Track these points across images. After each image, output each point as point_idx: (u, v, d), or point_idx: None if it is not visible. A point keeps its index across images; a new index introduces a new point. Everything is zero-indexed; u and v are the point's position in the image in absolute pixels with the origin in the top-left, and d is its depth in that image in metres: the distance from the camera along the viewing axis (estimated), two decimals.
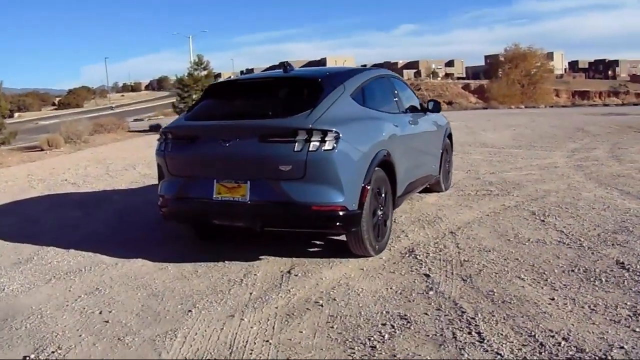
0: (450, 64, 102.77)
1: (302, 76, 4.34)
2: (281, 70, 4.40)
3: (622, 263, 3.55)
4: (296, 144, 3.55)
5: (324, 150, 3.54)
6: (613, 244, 3.97)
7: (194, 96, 20.82)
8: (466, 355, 2.43)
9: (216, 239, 4.67)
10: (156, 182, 8.12)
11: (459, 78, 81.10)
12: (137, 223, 5.56)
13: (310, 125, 3.56)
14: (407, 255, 4.03)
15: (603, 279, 3.29)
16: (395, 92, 5.15)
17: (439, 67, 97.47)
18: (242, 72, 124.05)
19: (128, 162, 10.92)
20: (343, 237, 4.42)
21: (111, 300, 3.36)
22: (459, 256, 3.93)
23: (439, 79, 77.54)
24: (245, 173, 3.74)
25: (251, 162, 3.71)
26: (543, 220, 4.82)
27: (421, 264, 3.81)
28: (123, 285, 3.64)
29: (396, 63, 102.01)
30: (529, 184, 6.74)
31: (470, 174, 7.63)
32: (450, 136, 6.71)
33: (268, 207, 3.68)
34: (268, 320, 2.96)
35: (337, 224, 3.63)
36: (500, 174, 7.64)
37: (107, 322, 3.03)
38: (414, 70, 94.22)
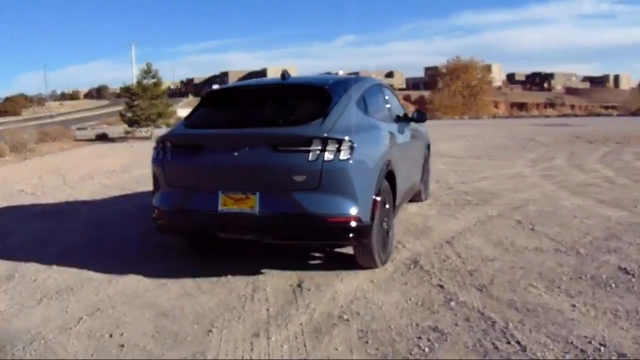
0: (390, 75, 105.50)
1: (308, 84, 4.28)
2: (279, 77, 4.34)
3: (625, 269, 3.72)
4: (311, 153, 3.48)
5: (340, 160, 3.49)
6: (608, 251, 4.16)
7: (142, 105, 20.25)
8: None
9: (211, 252, 4.52)
10: (121, 193, 7.99)
11: (399, 89, 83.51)
12: (116, 236, 5.29)
13: (325, 134, 3.51)
14: (412, 266, 4.04)
15: (612, 285, 3.43)
16: (387, 100, 5.20)
17: (379, 78, 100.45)
18: (182, 82, 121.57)
19: (84, 172, 10.41)
20: (342, 249, 4.41)
21: (118, 322, 3.15)
22: (464, 266, 3.98)
23: None
24: (254, 184, 3.62)
25: (262, 172, 3.60)
26: (532, 229, 4.99)
27: (430, 274, 3.83)
28: (125, 304, 3.43)
29: (337, 73, 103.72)
30: (504, 193, 6.97)
31: (442, 184, 7.80)
32: (429, 146, 6.85)
33: (279, 219, 3.58)
34: (296, 337, 2.87)
35: (351, 235, 3.59)
36: (472, 184, 7.87)
37: (123, 346, 2.83)
38: None
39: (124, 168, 11.03)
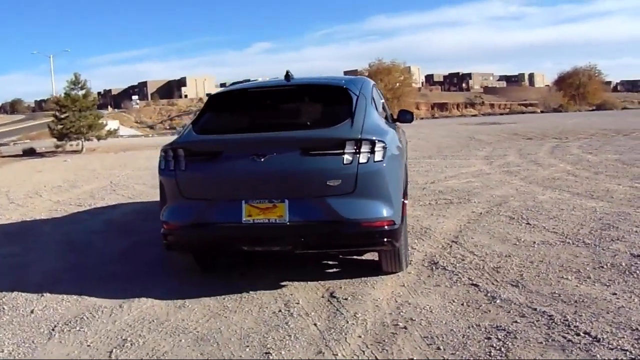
0: None
1: (325, 84, 4.16)
2: (282, 79, 4.20)
3: (639, 256, 3.94)
4: (345, 156, 3.39)
5: (375, 162, 3.43)
6: (613, 240, 4.39)
7: (71, 117, 19.09)
8: (599, 356, 2.50)
9: (214, 268, 4.28)
10: (79, 209, 7.42)
11: None
12: (98, 257, 4.91)
13: (359, 136, 3.43)
14: (433, 267, 4.04)
15: (637, 272, 3.62)
16: (382, 101, 5.21)
17: None
18: (99, 94, 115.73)
19: (28, 189, 9.62)
20: (355, 255, 4.35)
21: (157, 353, 2.86)
22: (485, 264, 4.04)
23: None
24: (283, 191, 3.46)
25: (291, 178, 3.45)
26: (529, 224, 5.18)
27: (457, 274, 3.84)
28: (153, 331, 3.14)
29: (256, 80, 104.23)
30: (478, 190, 7.21)
31: (413, 185, 7.91)
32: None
33: (312, 227, 3.45)
34: (363, 351, 2.75)
35: (385, 240, 3.52)
36: (442, 183, 8.08)
37: None
38: None
39: (70, 183, 10.30)
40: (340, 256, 4.42)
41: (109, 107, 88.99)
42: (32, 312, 3.56)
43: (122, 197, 8.39)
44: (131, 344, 2.97)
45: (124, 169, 12.87)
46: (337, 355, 2.72)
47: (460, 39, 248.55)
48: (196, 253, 4.04)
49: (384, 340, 2.85)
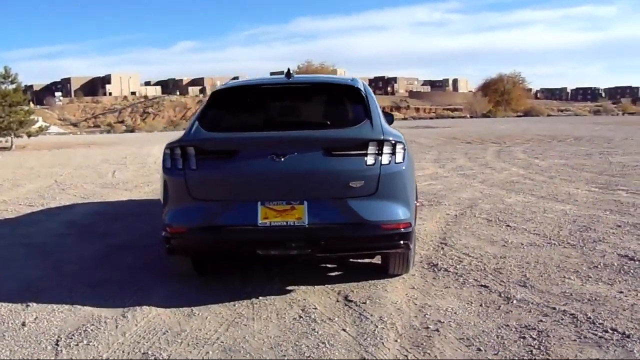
0: (235, 80, 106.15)
1: (337, 82, 4.07)
2: (283, 76, 4.09)
3: (627, 256, 4.18)
4: (368, 157, 3.36)
5: (396, 163, 3.42)
6: (595, 241, 4.63)
7: (0, 113, 17.70)
8: (635, 351, 2.62)
9: (208, 273, 4.10)
10: (32, 209, 6.84)
11: None
12: (74, 262, 4.58)
13: (382, 137, 3.41)
14: (434, 269, 4.08)
15: (630, 271, 3.85)
16: None
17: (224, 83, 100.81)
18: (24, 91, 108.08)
19: None
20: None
21: None
22: (484, 265, 4.14)
23: None
24: (302, 192, 3.36)
25: (312, 179, 3.36)
26: (509, 226, 5.38)
27: (461, 276, 3.90)
28: (173, 343, 2.93)
29: (181, 80, 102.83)
30: (443, 193, 7.42)
31: None
32: None
33: (332, 230, 3.38)
34: (406, 355, 2.72)
35: (402, 242, 3.51)
36: None
37: None
38: (200, 87, 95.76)
39: (11, 182, 9.53)
40: (339, 259, 4.37)
41: (30, 103, 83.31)
42: (23, 324, 3.22)
43: (75, 197, 7.86)
44: (155, 359, 2.75)
45: (64, 167, 12.07)
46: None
47: (385, 43, 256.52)
48: (203, 258, 3.84)
49: (422, 344, 2.83)
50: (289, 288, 3.75)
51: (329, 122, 3.56)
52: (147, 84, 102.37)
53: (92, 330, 3.12)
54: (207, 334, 3.05)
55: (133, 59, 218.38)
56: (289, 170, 3.34)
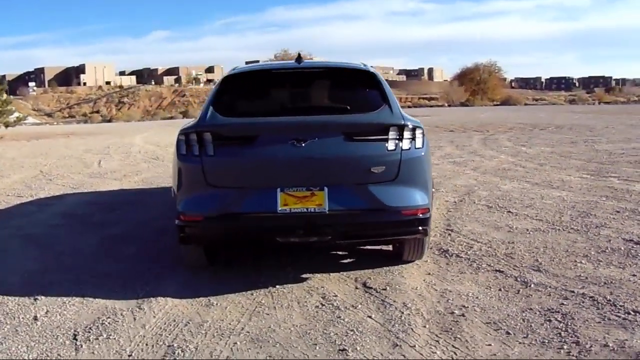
0: (210, 70, 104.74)
1: (352, 67, 4.01)
2: (294, 62, 4.03)
3: (631, 240, 4.27)
4: (389, 142, 3.34)
5: (416, 148, 3.41)
6: (598, 227, 4.70)
7: None
8: None
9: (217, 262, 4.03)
10: (21, 201, 6.62)
11: None
12: (75, 254, 4.48)
13: (402, 122, 3.39)
14: (446, 255, 4.10)
15: (638, 255, 3.93)
16: None
17: (200, 73, 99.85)
18: None
19: None
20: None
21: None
22: (494, 251, 4.17)
23: (202, 85, 77.99)
24: (322, 178, 3.32)
25: (333, 164, 3.33)
26: (510, 212, 5.43)
27: (474, 262, 3.92)
28: (197, 335, 2.86)
29: (156, 69, 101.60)
30: (438, 180, 7.43)
31: None
32: None
33: (353, 216, 3.35)
34: (437, 340, 2.71)
35: (421, 228, 3.50)
36: None
37: None
38: (175, 77, 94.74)
39: None
40: (350, 246, 4.34)
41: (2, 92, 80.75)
42: (35, 318, 3.11)
43: (64, 187, 7.65)
44: (182, 351, 2.69)
45: (47, 157, 11.74)
46: (414, 346, 2.67)
47: (360, 32, 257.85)
48: (217, 246, 3.78)
49: (450, 329, 2.84)
50: (304, 276, 3.72)
51: (348, 107, 3.51)
52: (122, 73, 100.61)
53: (109, 323, 3.03)
54: (230, 324, 3.01)
55: (107, 48, 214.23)
56: (309, 156, 3.29)
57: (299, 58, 4.01)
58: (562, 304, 3.10)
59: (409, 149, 3.37)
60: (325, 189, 3.30)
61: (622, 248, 4.08)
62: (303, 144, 3.27)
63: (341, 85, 3.84)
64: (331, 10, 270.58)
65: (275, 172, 3.34)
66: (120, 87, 67.81)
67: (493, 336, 2.75)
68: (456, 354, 2.58)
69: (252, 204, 3.34)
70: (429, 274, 3.73)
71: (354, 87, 3.77)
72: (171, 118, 30.87)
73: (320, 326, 2.94)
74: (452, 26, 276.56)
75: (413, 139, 3.40)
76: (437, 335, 2.78)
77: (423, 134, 3.47)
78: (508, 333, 2.77)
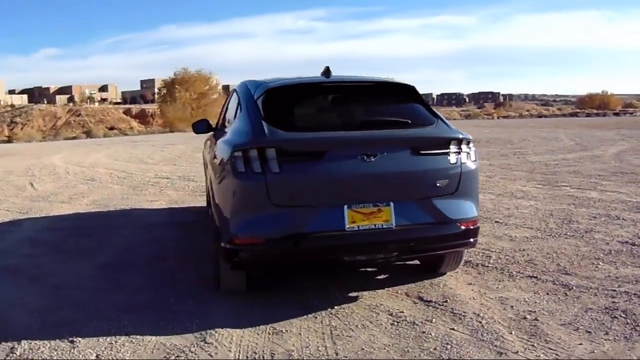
0: (104, 88, 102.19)
1: (393, 83, 4.09)
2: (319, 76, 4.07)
3: (628, 242, 4.79)
4: (451, 155, 3.48)
5: (472, 161, 3.59)
6: (587, 232, 5.21)
7: None
8: None
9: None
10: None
11: (116, 103, 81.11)
12: (72, 286, 4.03)
13: (460, 135, 3.54)
14: (471, 266, 4.32)
15: None
16: None
17: (93, 92, 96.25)
18: None
19: None
20: None
21: None
22: (513, 259, 4.46)
23: (97, 104, 75.76)
24: (388, 193, 3.38)
25: (400, 179, 3.41)
26: (497, 222, 5.80)
27: (503, 270, 4.19)
28: None
29: (48, 88, 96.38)
30: None
31: None
32: None
33: (418, 230, 3.44)
34: (532, 344, 2.91)
35: (472, 239, 3.68)
36: None
37: None
38: (68, 96, 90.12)
39: None
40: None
41: None
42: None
43: (10, 213, 6.99)
44: None
45: None
46: (517, 352, 2.83)
47: (252, 50, 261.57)
48: (277, 269, 3.64)
49: (535, 333, 3.06)
50: (352, 294, 3.75)
51: (409, 121, 3.59)
52: (12, 92, 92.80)
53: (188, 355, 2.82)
54: (319, 350, 2.97)
55: None
56: (377, 171, 3.34)
57: (327, 72, 4.03)
58: (614, 302, 3.44)
59: (466, 162, 3.53)
60: (391, 204, 3.36)
61: (624, 250, 4.58)
62: (372, 159, 3.30)
63: (388, 100, 3.92)
64: (222, 28, 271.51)
65: (342, 188, 3.33)
66: (12, 106, 62.11)
67: (578, 336, 3.00)
68: (559, 355, 2.79)
69: (318, 222, 3.30)
70: (470, 284, 3.92)
71: (400, 101, 3.88)
72: (74, 138, 28.80)
73: (413, 343, 3.00)
74: (343, 44, 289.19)
75: (469, 152, 3.57)
76: (528, 340, 2.96)
77: (474, 148, 3.65)
78: (588, 332, 3.04)
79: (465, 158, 3.57)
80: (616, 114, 47.00)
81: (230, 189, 3.41)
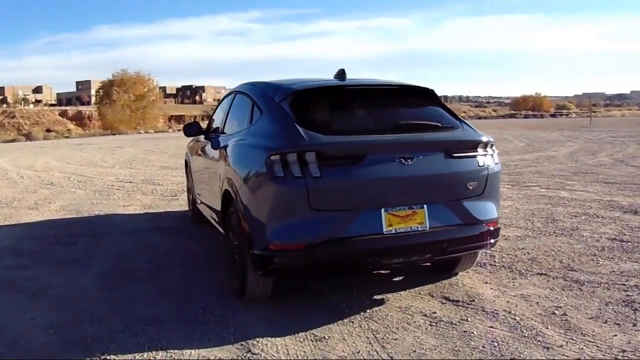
0: (38, 90, 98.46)
1: (414, 86, 4.17)
2: (336, 78, 4.12)
3: (616, 239, 5.13)
4: (479, 157, 3.59)
5: (495, 163, 3.74)
6: (573, 230, 5.56)
7: None
8: None
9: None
10: None
11: (50, 105, 77.70)
12: (80, 299, 3.85)
13: (485, 138, 3.67)
14: (480, 265, 4.47)
15: (637, 250, 4.72)
16: None
17: (27, 93, 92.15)
18: None
19: None
20: None
21: None
22: (516, 257, 4.68)
23: (32, 106, 72.50)
24: (421, 196, 3.46)
25: (434, 181, 3.50)
26: None
27: (511, 269, 4.38)
28: None
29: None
30: None
31: None
32: None
33: (451, 232, 3.54)
34: (571, 337, 3.08)
35: (494, 240, 3.82)
36: None
37: None
38: (0, 97, 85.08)
39: None
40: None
41: None
42: None
43: None
44: None
45: None
46: (561, 346, 3.00)
47: (189, 52, 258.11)
48: (313, 275, 3.61)
49: (568, 327, 3.24)
50: (377, 298, 3.80)
51: (440, 125, 3.67)
52: None
53: None
54: (371, 354, 3.02)
55: None
56: (414, 174, 3.41)
57: (342, 74, 4.05)
58: (629, 295, 3.70)
59: (491, 164, 3.67)
60: (425, 206, 3.43)
61: (615, 246, 4.91)
62: (410, 162, 3.35)
63: (412, 103, 3.99)
64: (158, 29, 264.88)
65: (380, 191, 3.37)
66: None
67: (609, 328, 3.20)
68: (599, 348, 2.97)
69: (357, 226, 3.32)
70: (487, 282, 4.09)
71: (424, 105, 3.96)
72: (13, 141, 27.11)
73: (460, 343, 3.10)
74: (279, 46, 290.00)
75: (493, 154, 3.70)
76: (565, 334, 3.14)
77: (496, 150, 3.79)
78: (617, 324, 3.25)
79: (490, 160, 3.71)
80: (553, 115, 50.10)
81: (266, 194, 3.36)
